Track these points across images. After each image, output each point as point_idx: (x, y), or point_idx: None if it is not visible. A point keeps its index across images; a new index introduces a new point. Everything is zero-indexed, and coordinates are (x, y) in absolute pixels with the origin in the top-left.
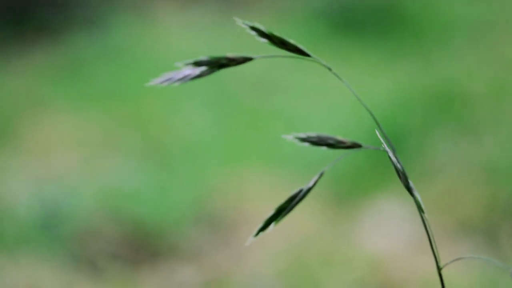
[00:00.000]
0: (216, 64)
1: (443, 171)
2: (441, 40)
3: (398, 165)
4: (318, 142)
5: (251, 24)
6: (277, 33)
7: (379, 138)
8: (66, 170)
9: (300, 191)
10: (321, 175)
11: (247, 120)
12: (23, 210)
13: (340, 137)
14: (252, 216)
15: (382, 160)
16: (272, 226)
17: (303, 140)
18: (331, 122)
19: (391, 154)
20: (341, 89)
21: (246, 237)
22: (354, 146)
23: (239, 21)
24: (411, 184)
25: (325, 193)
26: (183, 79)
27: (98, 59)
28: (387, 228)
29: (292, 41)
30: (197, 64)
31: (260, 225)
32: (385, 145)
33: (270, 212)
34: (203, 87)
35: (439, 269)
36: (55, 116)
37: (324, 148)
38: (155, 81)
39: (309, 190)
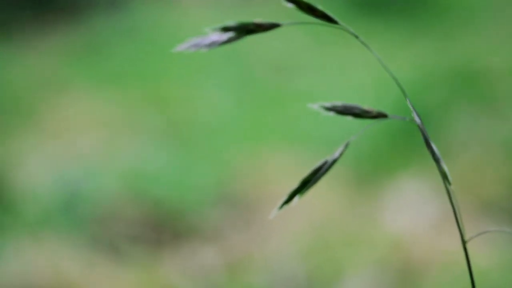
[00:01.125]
0: (244, 30)
1: (465, 149)
2: (464, 18)
3: (426, 134)
4: (343, 111)
5: None
6: None
7: (403, 113)
8: (87, 151)
9: (325, 163)
10: (347, 145)
11: (268, 99)
12: (45, 191)
13: (366, 107)
14: (274, 196)
15: (403, 139)
16: (296, 199)
17: (329, 109)
18: (355, 97)
19: (419, 123)
20: (363, 67)
21: (267, 217)
22: (380, 115)
23: None
24: (438, 154)
25: (346, 173)
26: (211, 45)
27: (118, 40)
28: (409, 207)
29: (320, 7)
30: (225, 29)
31: (284, 197)
32: (415, 114)
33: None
34: (223, 66)
35: (464, 242)
36: (76, 97)
37: (349, 118)
38: (181, 47)
39: (334, 161)
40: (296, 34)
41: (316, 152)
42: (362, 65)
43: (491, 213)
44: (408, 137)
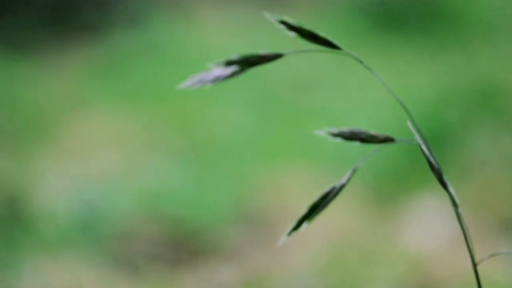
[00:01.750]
0: (247, 63)
1: (483, 167)
2: (482, 36)
3: (431, 158)
4: (350, 137)
5: (280, 18)
6: (306, 26)
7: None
8: (106, 170)
9: (333, 188)
10: (354, 171)
11: (285, 117)
12: (63, 210)
13: (372, 131)
14: (292, 214)
15: (421, 157)
16: (305, 225)
17: (336, 135)
18: (370, 119)
19: (423, 147)
20: (378, 85)
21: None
22: (387, 140)
23: (267, 15)
24: (445, 177)
25: (364, 190)
26: (214, 80)
27: (138, 58)
28: (427, 225)
29: (322, 34)
30: (228, 63)
31: (293, 224)
32: (417, 137)
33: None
34: (241, 84)
35: (474, 265)
36: (95, 116)
37: (357, 143)
38: (184, 84)
39: (342, 187)
40: (315, 52)
41: (334, 169)
42: (381, 84)
43: (506, 231)
44: None
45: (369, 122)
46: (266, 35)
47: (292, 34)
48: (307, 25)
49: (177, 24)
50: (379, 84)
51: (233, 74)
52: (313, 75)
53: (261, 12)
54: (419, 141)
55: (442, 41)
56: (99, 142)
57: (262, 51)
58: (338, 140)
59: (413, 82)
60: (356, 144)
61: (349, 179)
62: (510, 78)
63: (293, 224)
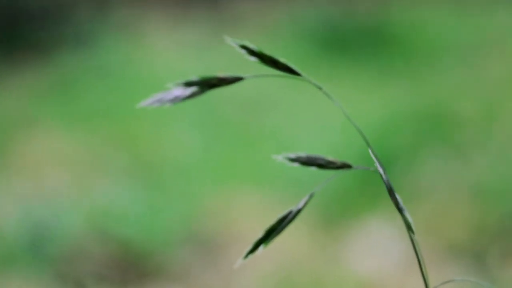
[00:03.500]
0: (207, 84)
1: (432, 192)
2: (430, 61)
3: (389, 185)
4: (308, 162)
5: (241, 43)
6: (267, 51)
7: (369, 159)
8: (55, 190)
9: (290, 212)
10: (311, 196)
11: (237, 140)
12: (11, 230)
13: (330, 158)
14: (242, 237)
15: (371, 181)
16: (261, 248)
17: (293, 160)
18: (322, 142)
19: (383, 174)
20: (333, 109)
21: (235, 258)
22: (344, 166)
23: (228, 40)
24: (402, 204)
25: (315, 214)
26: (174, 100)
27: (88, 78)
28: (377, 249)
29: (282, 59)
30: (188, 84)
31: (249, 247)
32: (377, 165)
33: (260, 233)
34: (193, 107)
35: None
36: (45, 136)
37: (314, 169)
38: (144, 103)
39: (298, 211)
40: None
41: (285, 191)
42: (332, 105)
43: (457, 256)
44: (376, 179)
45: (320, 145)
46: (219, 57)
47: (253, 59)
48: (267, 51)
49: (127, 45)
50: (332, 108)
51: (192, 95)
52: (265, 98)
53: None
54: (379, 169)
55: (390, 65)
56: (49, 162)
57: (222, 73)
58: (296, 165)
59: (361, 106)
60: (312, 169)
61: (305, 204)
62: (458, 104)
63: (249, 246)
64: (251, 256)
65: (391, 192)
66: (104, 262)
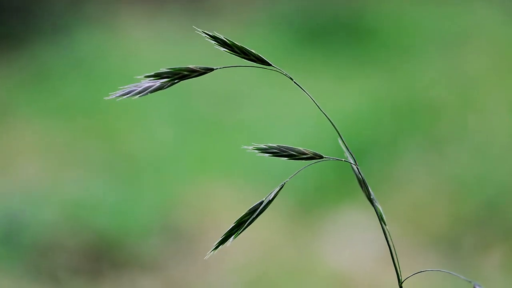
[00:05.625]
0: (177, 76)
1: (410, 183)
2: (407, 52)
3: (360, 176)
4: (279, 153)
5: (211, 33)
6: (237, 42)
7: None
8: (29, 181)
9: (261, 203)
10: (282, 187)
11: (210, 132)
12: None
13: (301, 148)
14: (217, 227)
15: (348, 171)
16: (231, 239)
17: (264, 151)
18: (296, 135)
19: (353, 164)
20: (306, 101)
21: (209, 249)
22: (315, 157)
23: (199, 31)
24: (373, 195)
25: (291, 205)
26: (143, 92)
27: (63, 70)
28: (351, 240)
29: (253, 50)
30: (158, 76)
31: (220, 238)
32: (348, 155)
33: (232, 224)
34: (168, 100)
35: (400, 282)
36: (19, 127)
37: (284, 159)
38: (114, 95)
39: (269, 202)
40: (240, 68)
41: (258, 183)
42: (308, 100)
43: (433, 246)
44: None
45: (294, 137)
46: (194, 49)
47: (224, 49)
48: (238, 41)
49: (103, 37)
50: (304, 99)
51: (162, 87)
52: (237, 91)
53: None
54: (349, 159)
55: (367, 57)
56: (22, 153)
57: (192, 65)
58: (266, 155)
59: (339, 98)
60: (283, 159)
61: (276, 195)
62: (434, 93)
63: (220, 238)
64: (222, 247)
65: (361, 182)
66: (78, 253)
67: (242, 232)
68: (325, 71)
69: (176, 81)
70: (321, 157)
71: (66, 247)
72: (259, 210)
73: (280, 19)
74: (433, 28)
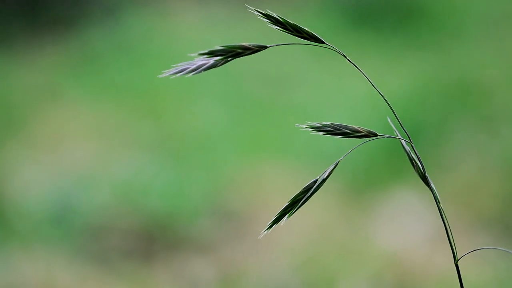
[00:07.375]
0: (231, 53)
1: (461, 163)
2: (458, 33)
3: (412, 155)
4: (332, 131)
5: (264, 11)
6: (290, 20)
7: (399, 127)
8: (80, 163)
9: (315, 182)
10: (336, 165)
11: (261, 113)
12: (37, 203)
13: (355, 126)
14: (268, 208)
15: (397, 153)
16: (285, 218)
17: (318, 129)
18: (347, 114)
19: (404, 143)
20: (355, 82)
21: (261, 230)
22: (370, 135)
23: (251, 9)
24: (427, 175)
25: (342, 186)
26: (197, 69)
27: (113, 52)
28: (404, 221)
29: (306, 28)
30: (211, 54)
31: (274, 217)
32: (397, 133)
33: (286, 203)
34: (218, 81)
35: (456, 260)
36: (69, 109)
37: (338, 137)
38: (167, 72)
39: (323, 181)
40: (293, 47)
41: (311, 163)
42: (359, 78)
43: (486, 226)
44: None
45: (346, 116)
46: (244, 31)
47: (276, 27)
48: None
49: (153, 20)
50: (355, 80)
51: (215, 64)
52: (289, 71)
53: (240, 10)
54: (400, 137)
55: (417, 38)
56: (74, 135)
57: (245, 43)
58: (320, 134)
59: (389, 78)
60: (336, 138)
61: (330, 173)
62: (486, 74)
63: (273, 217)
64: (275, 227)
65: (412, 162)
66: (130, 235)
67: (294, 214)
68: (375, 52)
69: (229, 58)
70: (376, 135)
71: (118, 229)
72: (313, 188)
73: (330, 1)
74: (483, 9)
